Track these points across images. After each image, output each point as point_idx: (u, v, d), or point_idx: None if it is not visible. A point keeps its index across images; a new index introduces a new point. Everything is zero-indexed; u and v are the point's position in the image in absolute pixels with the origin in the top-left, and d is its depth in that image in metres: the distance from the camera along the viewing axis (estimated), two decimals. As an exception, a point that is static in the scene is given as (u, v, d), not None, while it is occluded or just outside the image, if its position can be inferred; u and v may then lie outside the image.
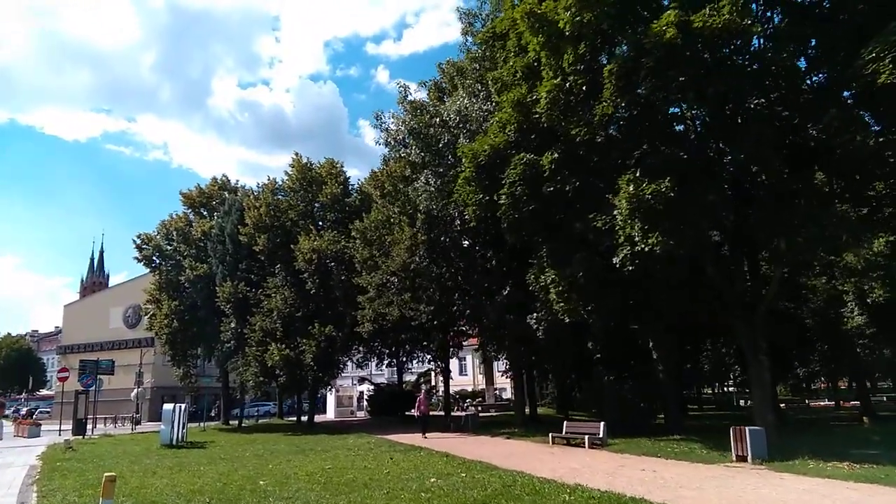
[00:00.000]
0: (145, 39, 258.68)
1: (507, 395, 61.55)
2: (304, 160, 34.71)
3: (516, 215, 15.86)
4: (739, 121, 14.60)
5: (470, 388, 62.08)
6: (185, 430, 24.68)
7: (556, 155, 15.33)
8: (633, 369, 22.45)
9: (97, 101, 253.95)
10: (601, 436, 18.11)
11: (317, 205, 35.11)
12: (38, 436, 31.56)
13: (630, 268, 14.10)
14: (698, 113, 15.75)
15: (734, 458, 13.80)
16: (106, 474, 8.77)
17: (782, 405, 29.76)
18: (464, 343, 37.98)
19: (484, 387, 58.48)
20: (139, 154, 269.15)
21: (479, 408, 46.96)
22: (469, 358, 62.19)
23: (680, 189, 12.83)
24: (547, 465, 13.86)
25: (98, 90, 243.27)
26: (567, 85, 14.92)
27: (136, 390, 47.34)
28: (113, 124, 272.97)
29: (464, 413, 30.19)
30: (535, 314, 20.23)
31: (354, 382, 57.05)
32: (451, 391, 51.19)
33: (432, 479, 12.09)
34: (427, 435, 22.14)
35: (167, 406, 23.34)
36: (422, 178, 21.55)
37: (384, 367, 61.91)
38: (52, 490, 11.84)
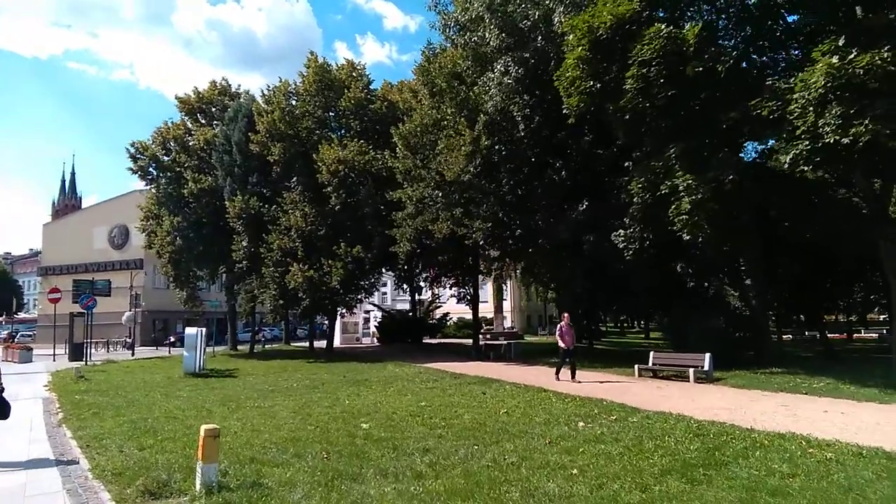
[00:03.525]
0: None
1: (507, 322, 60.46)
2: (321, 60, 30.52)
3: (647, 104, 12.66)
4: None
5: (468, 316, 59.74)
6: (204, 357, 22.05)
7: (701, 26, 11.98)
8: (717, 297, 19.99)
9: (58, 15, 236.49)
10: (706, 369, 15.85)
11: (332, 113, 31.25)
12: (31, 360, 28.74)
13: (805, 168, 11.20)
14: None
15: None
16: (205, 427, 5.97)
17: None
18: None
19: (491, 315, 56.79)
20: (104, 73, 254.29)
21: (489, 336, 45.22)
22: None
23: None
24: (692, 405, 11.43)
25: (58, 2, 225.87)
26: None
27: (127, 313, 44.46)
28: (75, 41, 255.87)
29: (503, 342, 27.88)
30: (621, 232, 17.44)
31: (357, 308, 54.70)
32: (453, 320, 49.36)
33: (580, 424, 9.56)
34: (487, 363, 19.71)
35: (190, 330, 20.50)
36: (498, 66, 17.89)
37: (395, 291, 60.41)
38: (94, 437, 9.02)
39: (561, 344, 16.12)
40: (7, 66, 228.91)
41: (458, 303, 57.69)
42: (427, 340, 40.88)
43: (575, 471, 6.76)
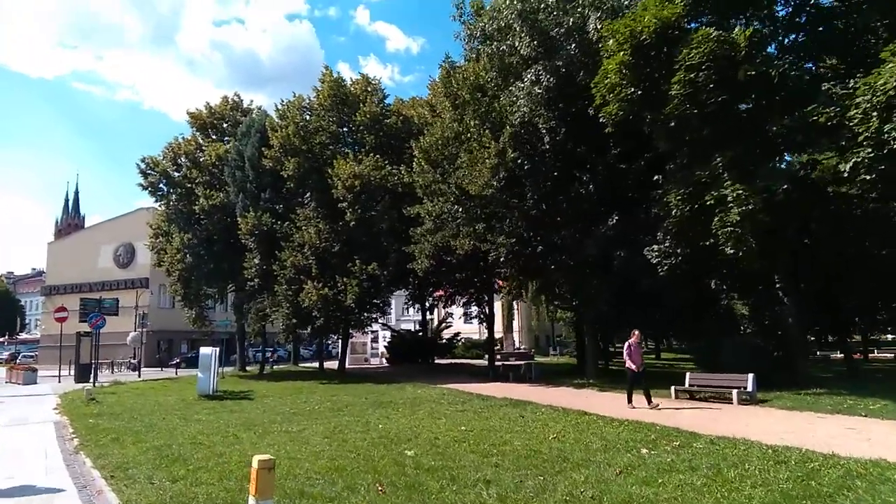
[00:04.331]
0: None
1: (515, 343, 59.45)
2: (336, 74, 30.17)
3: (694, 110, 12.07)
4: None
5: (476, 337, 58.68)
6: (217, 379, 21.26)
7: (752, 29, 11.44)
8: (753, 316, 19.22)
9: (63, 36, 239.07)
10: (750, 390, 15.07)
11: (346, 128, 30.79)
12: (35, 382, 27.93)
13: (866, 177, 10.57)
14: None
15: None
16: (258, 458, 5.21)
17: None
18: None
19: (500, 335, 55.79)
20: (109, 94, 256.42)
21: (499, 356, 44.24)
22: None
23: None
24: (748, 429, 10.65)
25: (63, 24, 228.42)
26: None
27: (132, 334, 43.71)
28: (80, 62, 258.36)
29: (520, 362, 27.09)
30: (655, 247, 16.77)
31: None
32: (458, 340, 48.33)
33: (644, 451, 8.81)
34: (508, 385, 18.76)
35: (205, 350, 19.76)
36: (528, 75, 17.35)
37: (401, 311, 59.50)
38: (118, 466, 8.27)
39: (630, 365, 14.35)
40: (13, 86, 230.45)
41: (465, 323, 57.07)
42: (438, 361, 39.96)
43: (665, 506, 6.03)
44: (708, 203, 13.09)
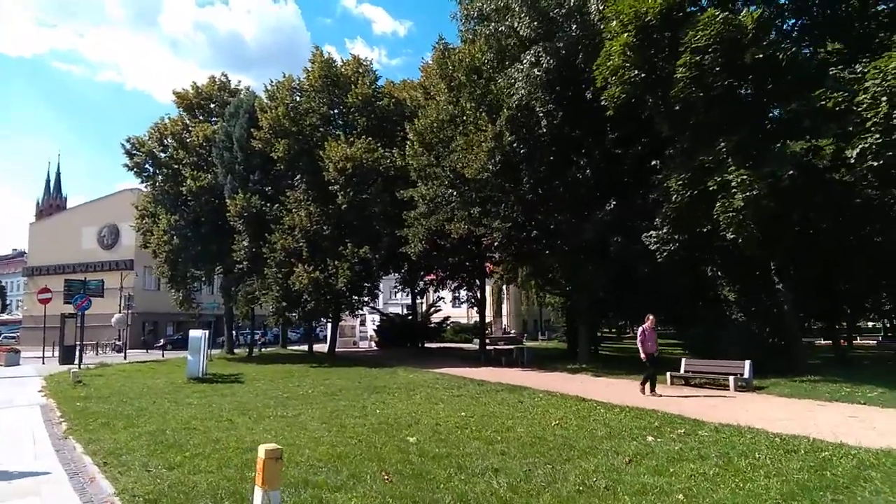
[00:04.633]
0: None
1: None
2: (327, 54, 29.56)
3: (699, 93, 11.83)
4: None
5: (464, 321, 58.48)
6: (206, 362, 20.92)
7: (760, 11, 11.20)
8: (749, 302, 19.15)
9: (42, 13, 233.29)
10: (747, 376, 15.06)
11: (337, 110, 30.20)
12: (18, 364, 27.47)
13: (873, 164, 10.43)
14: None
15: None
16: (264, 447, 4.97)
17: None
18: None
19: (489, 320, 55.69)
20: (90, 74, 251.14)
21: (488, 340, 44.09)
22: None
23: None
24: (748, 415, 10.57)
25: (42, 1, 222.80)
26: None
27: (117, 315, 43.12)
28: (60, 40, 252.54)
29: (510, 347, 27.01)
30: (653, 233, 16.64)
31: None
32: (447, 324, 48.13)
33: (650, 439, 8.69)
34: (500, 369, 18.61)
35: (195, 333, 19.36)
36: (527, 57, 16.98)
37: (388, 295, 59.14)
38: (110, 452, 7.97)
39: (644, 351, 14.00)
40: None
41: (453, 307, 56.87)
42: (427, 345, 39.81)
43: (681, 496, 5.90)
44: (710, 188, 12.92)
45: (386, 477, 6.54)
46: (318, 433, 9.22)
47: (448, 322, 46.53)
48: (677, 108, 12.75)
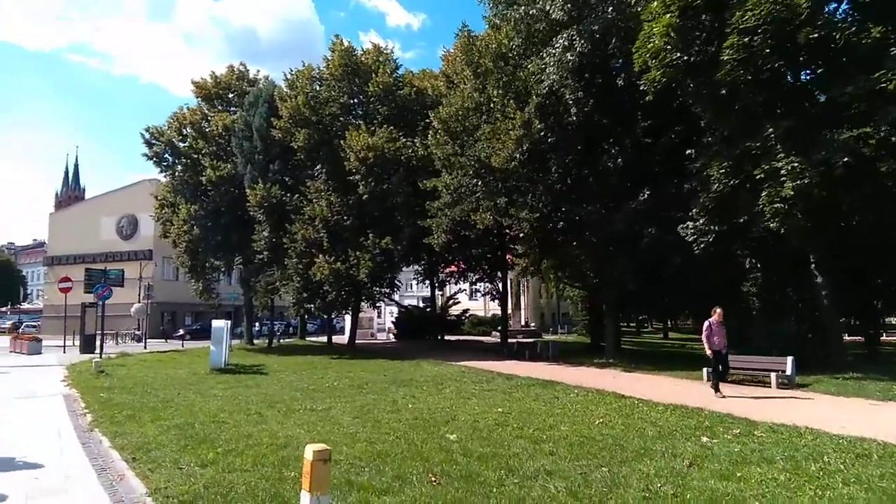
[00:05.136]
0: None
1: (522, 320, 58.84)
2: (347, 43, 29.07)
3: (748, 77, 11.21)
4: None
5: (481, 314, 57.86)
6: (228, 352, 20.67)
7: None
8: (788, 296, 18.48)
9: (59, 7, 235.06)
10: (789, 373, 14.45)
11: (358, 99, 29.74)
12: (40, 352, 27.49)
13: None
14: None
15: None
16: (312, 447, 4.50)
17: None
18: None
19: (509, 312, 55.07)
20: (106, 66, 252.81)
21: (507, 334, 43.55)
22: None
23: None
24: (798, 414, 10.02)
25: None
26: None
27: (136, 305, 43.16)
28: (77, 34, 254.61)
29: (530, 339, 26.56)
30: (690, 223, 16.02)
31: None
32: (466, 316, 47.63)
33: (704, 439, 8.19)
34: (526, 363, 18.07)
35: (217, 323, 19.12)
36: (559, 41, 16.38)
37: (405, 287, 58.71)
38: (138, 447, 7.63)
39: (709, 347, 12.91)
40: (10, 58, 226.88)
41: (470, 300, 56.43)
42: (447, 337, 39.41)
43: (757, 504, 5.40)
44: (758, 176, 12.29)
45: (433, 479, 6.12)
46: (352, 428, 8.84)
47: (468, 315, 45.98)
48: (723, 91, 12.14)
